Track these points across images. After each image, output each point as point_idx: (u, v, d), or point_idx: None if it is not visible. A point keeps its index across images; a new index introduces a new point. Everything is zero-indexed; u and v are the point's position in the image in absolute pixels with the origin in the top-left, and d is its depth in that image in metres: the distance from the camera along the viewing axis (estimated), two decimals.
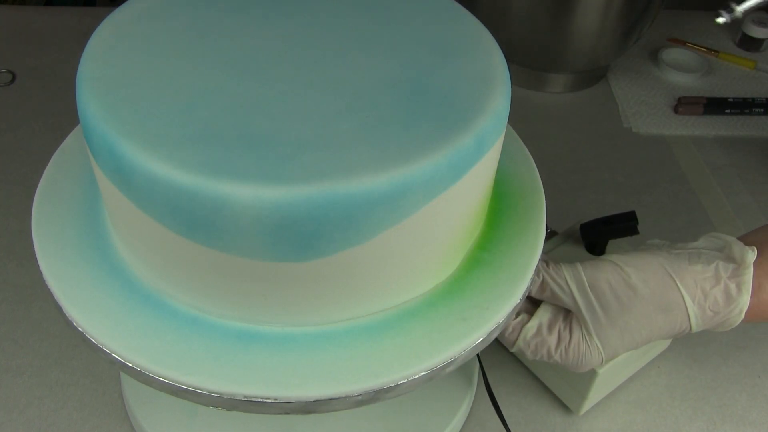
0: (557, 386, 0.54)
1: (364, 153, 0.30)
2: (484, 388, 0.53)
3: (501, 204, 0.43)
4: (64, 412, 0.52)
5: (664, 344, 0.57)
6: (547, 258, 0.45)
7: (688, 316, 0.43)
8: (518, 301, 0.38)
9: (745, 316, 0.44)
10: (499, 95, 0.34)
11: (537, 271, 0.44)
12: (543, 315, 0.45)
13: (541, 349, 0.45)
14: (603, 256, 0.46)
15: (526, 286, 0.38)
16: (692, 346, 0.59)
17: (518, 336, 0.45)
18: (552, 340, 0.45)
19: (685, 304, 0.43)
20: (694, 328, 0.44)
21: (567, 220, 0.61)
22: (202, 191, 0.29)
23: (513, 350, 0.46)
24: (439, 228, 0.34)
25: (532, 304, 0.46)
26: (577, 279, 0.44)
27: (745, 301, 0.43)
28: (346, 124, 0.32)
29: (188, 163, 0.29)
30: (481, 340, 0.36)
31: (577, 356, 0.44)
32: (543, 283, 0.44)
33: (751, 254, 0.43)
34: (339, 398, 0.33)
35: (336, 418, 0.50)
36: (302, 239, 0.30)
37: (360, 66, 0.35)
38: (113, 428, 0.52)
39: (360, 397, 0.34)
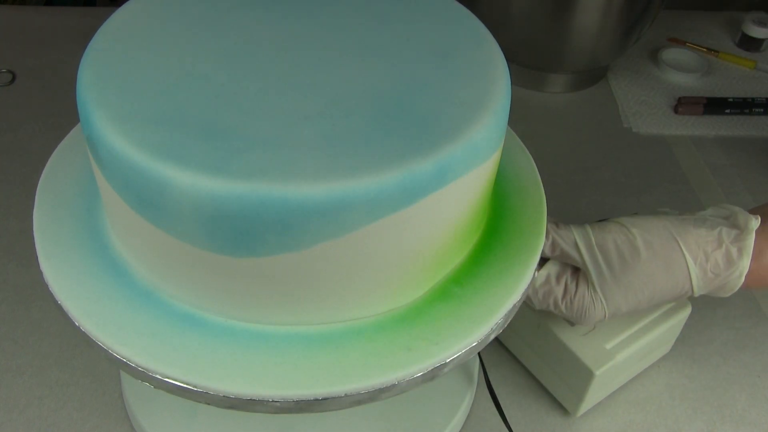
0: (555, 387, 0.54)
1: (312, 160, 0.30)
2: (485, 387, 0.53)
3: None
4: (64, 412, 0.52)
5: (665, 349, 0.57)
6: (557, 219, 0.47)
7: (690, 277, 0.45)
8: (474, 343, 0.36)
9: (745, 280, 0.45)
10: (487, 119, 0.33)
11: (546, 232, 0.45)
12: (552, 266, 0.47)
13: (548, 298, 0.47)
14: (610, 219, 0.47)
15: (488, 329, 0.36)
16: (692, 346, 0.60)
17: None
18: (559, 290, 0.46)
19: (687, 265, 0.45)
20: (696, 290, 0.46)
21: (567, 220, 0.61)
22: (148, 170, 0.30)
23: None
24: (389, 250, 0.33)
25: (543, 259, 0.47)
26: (585, 238, 0.45)
27: (745, 264, 0.45)
28: (311, 129, 0.32)
29: (144, 142, 0.31)
30: (421, 375, 0.35)
31: (582, 308, 0.46)
32: (553, 242, 0.46)
33: (755, 221, 0.45)
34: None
35: (336, 417, 0.50)
36: (236, 235, 0.31)
37: (350, 71, 0.35)
38: (113, 428, 0.52)
39: (279, 404, 0.34)
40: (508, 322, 0.38)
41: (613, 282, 0.45)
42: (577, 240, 0.45)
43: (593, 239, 0.45)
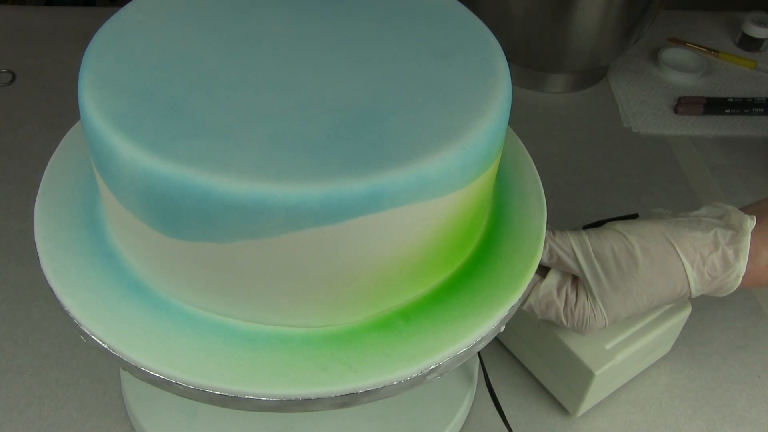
0: (555, 387, 0.54)
1: (249, 158, 0.30)
2: (485, 387, 0.53)
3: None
4: (64, 412, 0.52)
5: (664, 349, 0.57)
6: (553, 227, 0.47)
7: (687, 280, 0.45)
8: (395, 382, 0.35)
9: (742, 281, 0.46)
10: (457, 148, 0.32)
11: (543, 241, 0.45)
12: (553, 277, 0.47)
13: (550, 310, 0.46)
14: (606, 225, 0.47)
15: (415, 371, 0.35)
16: (692, 346, 0.60)
17: (530, 294, 0.47)
18: (560, 301, 0.46)
19: (684, 269, 0.45)
20: (693, 293, 0.46)
21: (567, 219, 0.61)
22: (103, 137, 0.32)
23: (524, 308, 0.47)
24: (312, 264, 0.33)
25: (543, 267, 0.47)
26: (582, 246, 0.45)
27: (742, 266, 0.45)
28: (266, 129, 0.32)
29: (108, 110, 0.32)
30: (329, 398, 0.34)
31: (582, 318, 0.46)
32: (550, 250, 0.46)
33: (750, 222, 0.45)
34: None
35: (336, 417, 0.50)
36: (165, 215, 0.32)
37: (340, 73, 0.35)
38: (113, 428, 0.52)
39: None
40: (445, 369, 0.36)
41: (611, 290, 0.45)
42: (575, 248, 0.45)
43: (590, 247, 0.45)
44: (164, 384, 0.34)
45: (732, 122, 0.84)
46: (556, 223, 0.60)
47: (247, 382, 0.34)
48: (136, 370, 0.34)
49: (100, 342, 0.35)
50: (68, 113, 0.66)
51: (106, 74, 0.34)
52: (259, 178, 0.30)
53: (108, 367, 0.55)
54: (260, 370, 0.34)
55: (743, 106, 0.84)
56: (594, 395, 0.52)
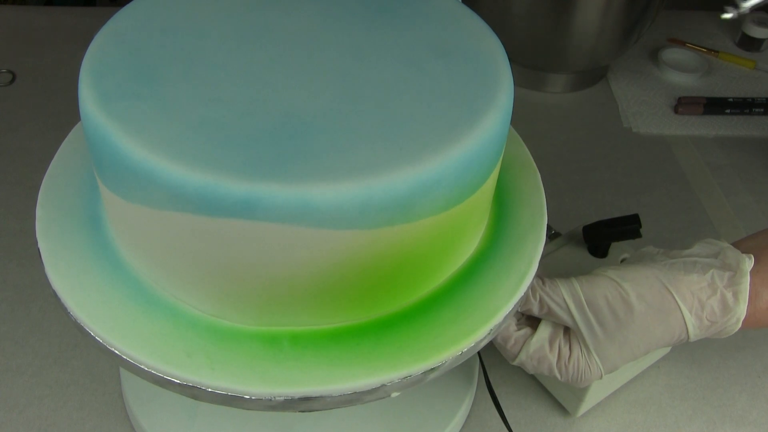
0: (555, 388, 0.54)
1: (251, 159, 0.30)
2: (485, 387, 0.53)
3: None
4: (64, 412, 0.52)
5: (665, 350, 0.57)
6: (543, 274, 0.45)
7: (686, 326, 0.43)
8: (395, 382, 0.34)
9: (742, 324, 0.44)
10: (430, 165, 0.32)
11: (532, 290, 0.44)
12: (544, 330, 0.45)
13: (542, 364, 0.45)
14: (598, 270, 0.45)
15: (408, 374, 0.35)
16: (692, 347, 0.59)
17: (521, 349, 0.45)
18: (553, 356, 0.45)
19: (683, 315, 0.43)
20: (692, 338, 0.44)
21: (567, 219, 0.61)
22: (105, 138, 0.32)
23: (515, 363, 0.46)
24: (296, 262, 0.33)
25: (533, 318, 0.46)
26: (574, 296, 0.44)
27: (742, 310, 0.43)
28: (259, 121, 0.32)
29: (110, 111, 0.32)
30: (342, 395, 0.34)
31: (577, 372, 0.44)
32: (541, 301, 0.44)
33: (748, 262, 0.43)
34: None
35: (336, 416, 0.50)
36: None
37: (340, 71, 0.35)
38: (113, 428, 0.52)
39: None
40: (448, 368, 0.36)
41: (607, 341, 0.43)
42: (566, 298, 0.43)
43: (582, 296, 0.43)
44: (168, 384, 0.34)
45: (732, 122, 0.84)
46: (556, 223, 0.60)
47: (251, 381, 0.34)
48: (139, 370, 0.34)
49: (104, 343, 0.35)
50: (68, 113, 0.66)
51: (107, 75, 0.34)
52: (254, 177, 0.30)
53: (108, 367, 0.55)
54: (264, 368, 0.34)
55: (743, 106, 0.84)
56: (594, 395, 0.52)
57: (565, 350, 0.44)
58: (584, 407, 0.53)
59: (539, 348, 0.45)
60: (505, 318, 0.38)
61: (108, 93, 0.33)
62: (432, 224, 0.34)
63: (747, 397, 0.57)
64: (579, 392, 0.51)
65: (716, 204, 0.74)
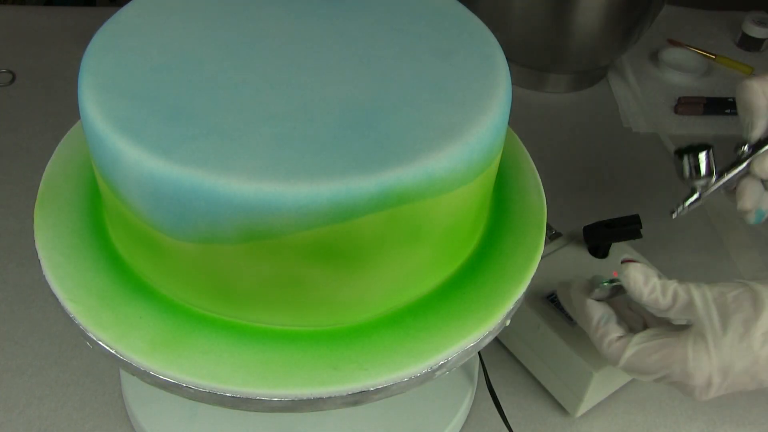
0: (555, 388, 0.54)
1: (255, 159, 0.30)
2: (485, 387, 0.53)
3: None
4: (64, 412, 0.52)
5: None
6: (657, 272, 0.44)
7: None
8: (403, 380, 0.35)
9: None
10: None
11: (664, 287, 0.42)
12: (646, 334, 0.44)
13: (650, 359, 0.43)
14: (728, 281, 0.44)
15: (425, 367, 0.35)
16: None
17: (624, 351, 0.44)
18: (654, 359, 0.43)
19: None
20: None
21: (567, 219, 0.61)
22: (107, 140, 0.32)
23: (619, 366, 0.45)
24: (321, 263, 0.33)
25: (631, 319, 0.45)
26: (699, 291, 0.42)
27: None
28: (270, 129, 0.32)
29: (111, 112, 0.32)
30: (349, 394, 0.34)
31: (683, 375, 0.42)
32: (675, 294, 0.43)
33: None
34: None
35: (337, 417, 0.50)
36: (173, 218, 0.32)
37: (341, 73, 0.35)
38: (113, 428, 0.52)
39: None
40: (454, 365, 0.36)
41: (728, 344, 0.41)
42: (693, 293, 0.42)
43: (708, 293, 0.42)
44: (174, 388, 0.34)
45: (732, 122, 0.84)
46: (556, 223, 0.60)
47: (257, 382, 0.33)
48: (145, 375, 0.34)
49: (107, 348, 0.35)
50: (68, 113, 0.66)
51: (107, 76, 0.34)
52: (268, 179, 0.30)
53: (108, 367, 0.55)
54: (270, 370, 0.34)
55: None
56: (594, 395, 0.52)
57: (668, 354, 0.42)
58: (584, 407, 0.53)
59: (641, 351, 0.43)
60: (507, 314, 0.38)
61: (108, 93, 0.33)
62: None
63: (747, 397, 0.57)
64: (579, 392, 0.51)
65: (716, 204, 0.74)
